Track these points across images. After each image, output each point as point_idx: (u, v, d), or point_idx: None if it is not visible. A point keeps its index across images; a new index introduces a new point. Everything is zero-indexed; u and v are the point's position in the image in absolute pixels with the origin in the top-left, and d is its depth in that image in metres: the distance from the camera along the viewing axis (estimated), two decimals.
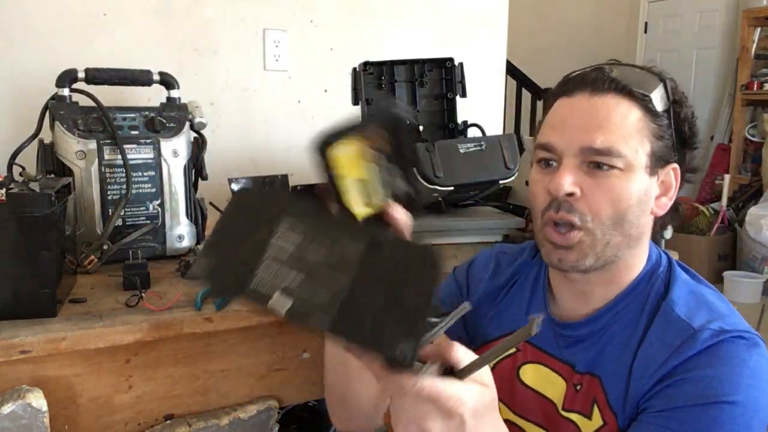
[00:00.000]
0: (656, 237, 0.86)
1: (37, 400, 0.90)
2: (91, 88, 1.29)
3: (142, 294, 1.05)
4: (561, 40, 5.43)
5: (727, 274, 3.32)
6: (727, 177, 3.65)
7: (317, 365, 1.07)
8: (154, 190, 1.29)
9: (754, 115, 4.64)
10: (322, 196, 0.65)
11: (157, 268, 1.20)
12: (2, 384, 0.91)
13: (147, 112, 1.30)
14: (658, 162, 0.79)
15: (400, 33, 2.07)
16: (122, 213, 1.25)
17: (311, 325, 0.51)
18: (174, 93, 1.37)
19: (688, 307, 0.79)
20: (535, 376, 0.88)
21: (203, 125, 1.36)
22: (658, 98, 0.79)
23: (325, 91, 1.99)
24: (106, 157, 1.24)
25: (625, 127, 0.77)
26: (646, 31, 5.56)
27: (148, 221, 1.28)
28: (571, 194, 0.77)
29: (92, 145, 1.23)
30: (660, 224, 0.85)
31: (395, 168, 0.65)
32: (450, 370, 0.55)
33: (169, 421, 1.05)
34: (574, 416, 0.82)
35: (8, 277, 0.94)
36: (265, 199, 0.56)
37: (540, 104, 4.25)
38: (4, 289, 0.94)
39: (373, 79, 1.65)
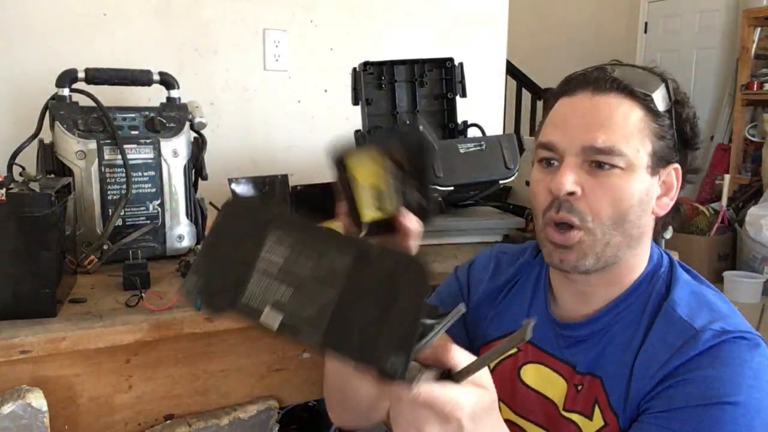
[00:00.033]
0: (657, 237, 0.86)
1: (37, 400, 0.90)
2: (91, 88, 1.29)
3: (142, 294, 1.05)
4: (561, 40, 5.42)
5: (727, 274, 3.32)
6: (727, 177, 3.65)
7: (317, 365, 1.07)
8: (154, 190, 1.28)
9: (754, 115, 4.64)
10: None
11: (157, 268, 1.20)
12: (2, 384, 0.91)
13: (147, 112, 1.30)
14: (659, 162, 0.79)
15: (400, 33, 2.07)
16: (122, 213, 1.25)
17: (301, 340, 0.51)
18: (174, 93, 1.37)
19: (689, 307, 0.78)
20: (536, 376, 0.88)
21: (203, 125, 1.36)
22: (659, 98, 0.79)
23: (325, 91, 1.99)
24: (106, 157, 1.24)
25: (627, 127, 0.77)
26: (646, 31, 5.56)
27: (148, 221, 1.28)
28: (572, 193, 0.77)
29: (92, 145, 1.23)
30: (661, 224, 0.85)
31: (411, 180, 0.66)
32: (448, 373, 0.55)
33: (169, 421, 1.05)
34: (575, 416, 0.82)
35: (8, 277, 0.94)
36: (253, 211, 0.56)
37: (540, 104, 4.26)
38: (4, 289, 0.94)
39: (373, 79, 1.65)
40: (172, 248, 1.31)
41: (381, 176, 0.66)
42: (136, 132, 1.28)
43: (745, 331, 0.75)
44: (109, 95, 1.31)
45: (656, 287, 0.82)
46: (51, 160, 1.23)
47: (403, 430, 0.56)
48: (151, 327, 0.98)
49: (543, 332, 0.88)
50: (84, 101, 1.27)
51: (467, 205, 1.65)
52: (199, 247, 1.33)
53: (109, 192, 1.25)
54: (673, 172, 0.82)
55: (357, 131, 1.59)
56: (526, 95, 4.32)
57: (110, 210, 1.24)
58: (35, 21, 1.58)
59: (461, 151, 1.44)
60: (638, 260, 0.83)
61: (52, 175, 1.22)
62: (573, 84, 0.81)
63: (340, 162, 0.67)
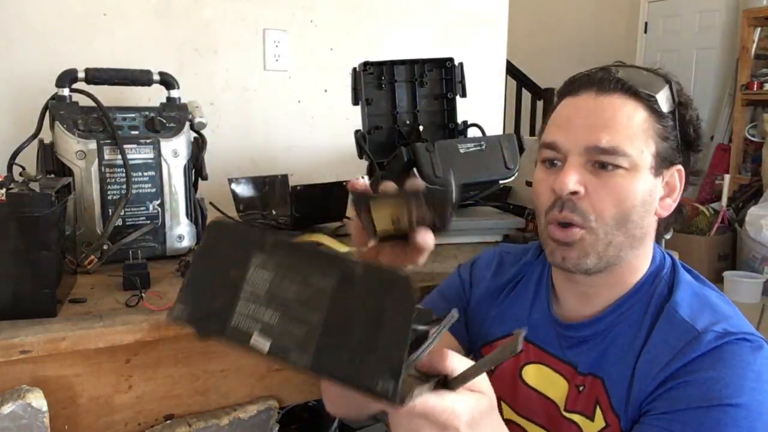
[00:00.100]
0: (659, 238, 0.86)
1: (37, 400, 0.89)
2: (91, 88, 1.29)
3: (142, 294, 1.05)
4: (561, 40, 5.42)
5: (727, 274, 3.31)
6: (727, 177, 3.64)
7: None
8: (154, 190, 1.28)
9: (754, 115, 4.63)
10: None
11: (157, 268, 1.20)
12: (2, 384, 0.91)
13: (147, 112, 1.30)
14: (662, 163, 0.79)
15: (400, 33, 2.07)
16: (122, 213, 1.25)
17: (291, 363, 0.51)
18: (174, 93, 1.37)
19: (691, 308, 0.78)
20: (537, 376, 0.88)
21: (203, 125, 1.36)
22: (663, 99, 0.79)
23: (325, 91, 1.99)
24: (106, 157, 1.24)
25: (631, 127, 0.77)
26: (646, 31, 5.56)
27: (148, 221, 1.28)
28: (575, 193, 0.77)
29: (92, 145, 1.23)
30: (663, 225, 0.85)
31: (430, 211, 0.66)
32: (444, 379, 0.55)
33: (169, 421, 1.05)
34: (576, 417, 0.82)
35: (8, 277, 0.94)
36: (236, 235, 0.56)
37: (540, 104, 4.26)
38: (4, 289, 0.94)
39: (373, 79, 1.64)
40: (172, 248, 1.31)
41: (398, 212, 0.66)
42: (136, 132, 1.27)
43: (747, 332, 0.74)
44: (109, 95, 1.31)
45: (658, 288, 0.82)
46: (51, 160, 1.23)
47: None
48: (151, 327, 0.97)
49: (545, 332, 0.88)
50: (84, 101, 1.27)
51: (467, 205, 1.65)
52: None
53: (109, 192, 1.25)
54: (676, 174, 0.81)
55: (357, 131, 1.59)
56: (526, 95, 4.32)
57: (110, 210, 1.24)
58: (35, 21, 1.58)
59: (461, 151, 1.44)
60: (641, 261, 0.83)
61: (52, 175, 1.22)
62: (577, 84, 0.81)
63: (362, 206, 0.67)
